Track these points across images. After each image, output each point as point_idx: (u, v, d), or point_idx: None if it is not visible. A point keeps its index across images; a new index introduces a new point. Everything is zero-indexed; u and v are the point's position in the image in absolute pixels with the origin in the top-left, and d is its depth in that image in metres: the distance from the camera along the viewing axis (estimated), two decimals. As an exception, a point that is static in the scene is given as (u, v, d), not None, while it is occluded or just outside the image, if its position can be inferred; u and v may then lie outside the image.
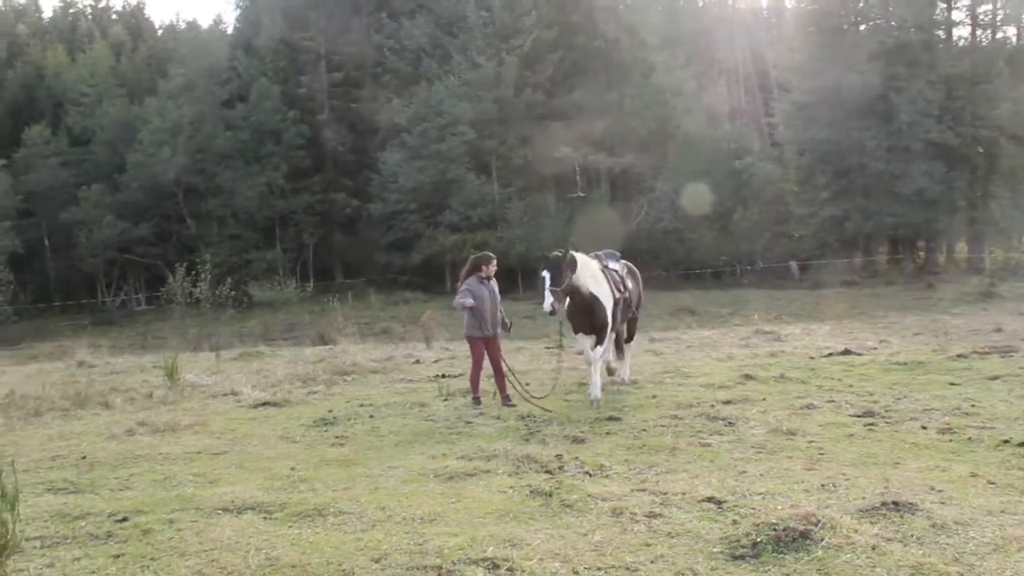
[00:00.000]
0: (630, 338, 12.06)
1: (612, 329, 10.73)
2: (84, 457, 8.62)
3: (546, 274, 9.82)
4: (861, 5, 43.81)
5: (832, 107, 40.23)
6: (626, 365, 11.66)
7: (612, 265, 11.16)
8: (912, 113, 38.29)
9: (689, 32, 50.54)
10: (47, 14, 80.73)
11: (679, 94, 47.30)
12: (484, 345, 10.51)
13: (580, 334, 10.57)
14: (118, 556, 5.25)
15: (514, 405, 10.32)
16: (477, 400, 10.43)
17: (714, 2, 63.19)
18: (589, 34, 49.80)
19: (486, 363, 10.54)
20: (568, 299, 10.05)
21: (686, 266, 42.60)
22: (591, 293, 10.27)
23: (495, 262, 10.85)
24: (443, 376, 13.10)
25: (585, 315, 10.37)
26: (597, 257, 11.02)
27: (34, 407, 11.98)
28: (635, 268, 12.15)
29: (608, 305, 10.41)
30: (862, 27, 43.51)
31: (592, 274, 10.42)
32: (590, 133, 44.46)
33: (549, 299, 9.76)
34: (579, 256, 10.35)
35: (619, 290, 10.79)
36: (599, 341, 10.47)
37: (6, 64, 60.51)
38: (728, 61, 56.51)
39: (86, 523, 6.03)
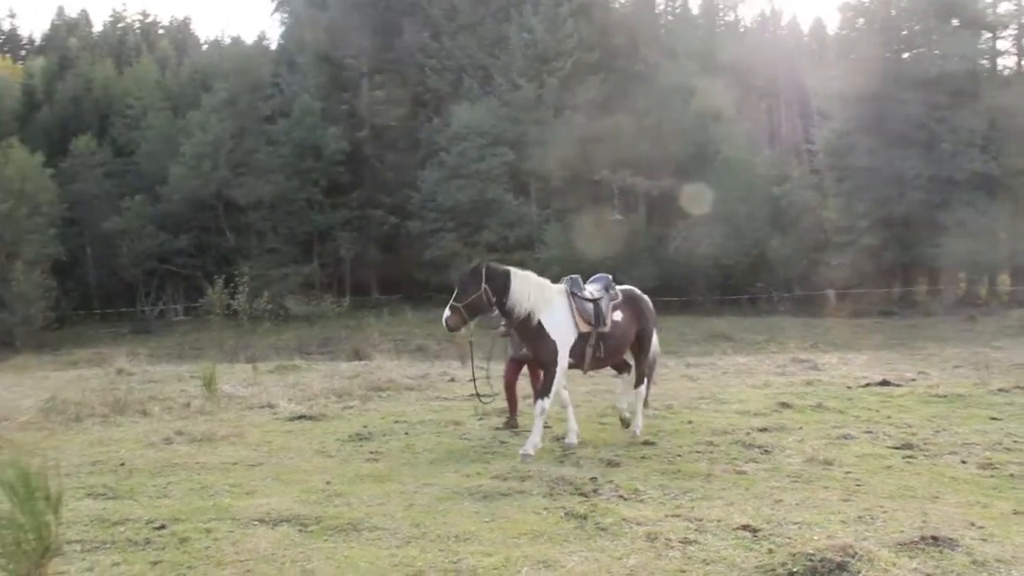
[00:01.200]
0: (639, 381, 9.85)
1: (576, 367, 9.22)
2: (123, 464, 8.74)
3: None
4: (905, 33, 43.49)
5: (873, 135, 39.94)
6: (637, 415, 9.79)
7: (592, 291, 9.37)
8: (955, 143, 37.91)
9: (730, 57, 50.31)
10: (97, 28, 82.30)
11: (718, 119, 47.15)
12: (518, 366, 10.39)
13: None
14: (156, 563, 5.33)
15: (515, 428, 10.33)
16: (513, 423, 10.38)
17: (755, 28, 63.02)
18: (630, 58, 49.94)
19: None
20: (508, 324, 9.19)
21: (722, 292, 42.39)
22: (537, 320, 8.84)
23: None
24: (478, 396, 13.11)
25: (528, 346, 9.23)
26: (573, 280, 9.38)
27: (75, 412, 12.14)
28: (642, 297, 9.93)
29: (560, 338, 8.84)
30: (905, 55, 43.17)
31: (543, 296, 8.94)
32: (629, 156, 44.45)
33: (445, 314, 8.76)
34: (519, 273, 9.04)
35: (589, 322, 9.03)
36: (544, 384, 8.98)
37: (57, 76, 61.67)
38: (768, 87, 56.22)
39: (125, 529, 6.12)
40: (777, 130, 55.95)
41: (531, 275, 9.13)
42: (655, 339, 10.08)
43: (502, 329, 10.02)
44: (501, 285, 8.75)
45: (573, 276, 9.49)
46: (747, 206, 41.57)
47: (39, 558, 5.04)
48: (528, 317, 8.79)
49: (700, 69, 47.79)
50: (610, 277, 9.72)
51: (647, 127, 45.70)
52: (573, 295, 9.15)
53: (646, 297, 10.07)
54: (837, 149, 42.78)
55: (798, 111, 55.70)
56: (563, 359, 8.87)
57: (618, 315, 9.32)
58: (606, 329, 9.13)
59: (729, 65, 49.41)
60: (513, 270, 9.01)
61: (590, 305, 9.12)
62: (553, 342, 8.83)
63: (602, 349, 9.15)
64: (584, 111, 46.06)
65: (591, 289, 9.40)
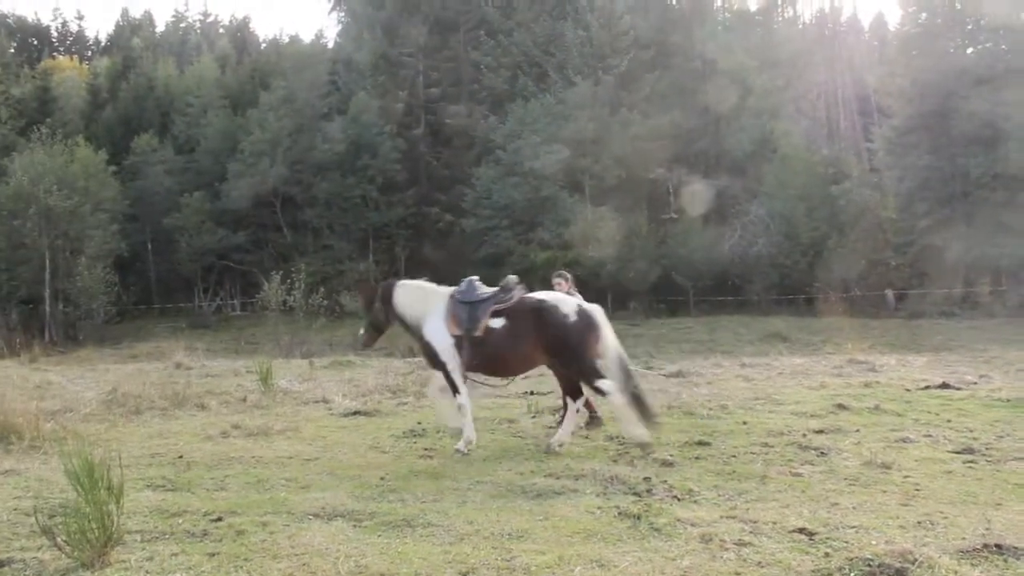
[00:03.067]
0: (573, 395, 9.45)
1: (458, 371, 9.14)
2: (181, 456, 8.93)
3: None
4: (970, 28, 42.59)
5: (935, 133, 39.19)
6: (563, 426, 9.42)
7: (477, 296, 9.27)
8: (1021, 140, 37.06)
9: (788, 54, 49.78)
10: (160, 28, 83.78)
11: (776, 117, 46.66)
12: None
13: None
14: (213, 555, 5.41)
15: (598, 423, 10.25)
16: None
17: (814, 24, 62.18)
18: (686, 55, 49.57)
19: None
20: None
21: (778, 291, 41.92)
22: (420, 328, 9.31)
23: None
24: (531, 393, 13.11)
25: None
26: (468, 283, 9.43)
27: (135, 405, 12.44)
28: (552, 309, 9.03)
29: (436, 342, 9.12)
30: (969, 51, 42.29)
31: (427, 304, 9.35)
32: (685, 154, 44.16)
33: (359, 332, 9.54)
34: (405, 284, 9.57)
35: (460, 326, 9.04)
36: (448, 384, 9.23)
37: (121, 76, 62.86)
38: (827, 84, 55.51)
39: (183, 520, 6.23)
40: (836, 128, 55.16)
41: (421, 285, 9.57)
42: (615, 365, 8.97)
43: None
44: (389, 300, 9.35)
45: (470, 278, 9.47)
46: (805, 205, 41.06)
47: (102, 546, 5.16)
48: (417, 325, 9.29)
49: (758, 66, 47.31)
50: (514, 279, 9.44)
51: (703, 125, 45.38)
52: (455, 298, 9.22)
53: (569, 310, 9.02)
54: (897, 147, 42.04)
55: (857, 108, 54.90)
56: (449, 360, 9.08)
57: (498, 322, 9.04)
58: (477, 334, 9.00)
59: (787, 62, 48.89)
60: (401, 283, 9.58)
61: (465, 309, 9.11)
62: (429, 345, 9.17)
63: (478, 354, 9.00)
64: (640, 109, 45.83)
65: (486, 293, 9.31)
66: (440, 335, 9.12)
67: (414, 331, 9.39)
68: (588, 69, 46.87)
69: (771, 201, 41.76)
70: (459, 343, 9.04)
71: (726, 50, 48.23)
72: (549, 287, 10.60)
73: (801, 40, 57.38)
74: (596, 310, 9.16)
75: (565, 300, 9.24)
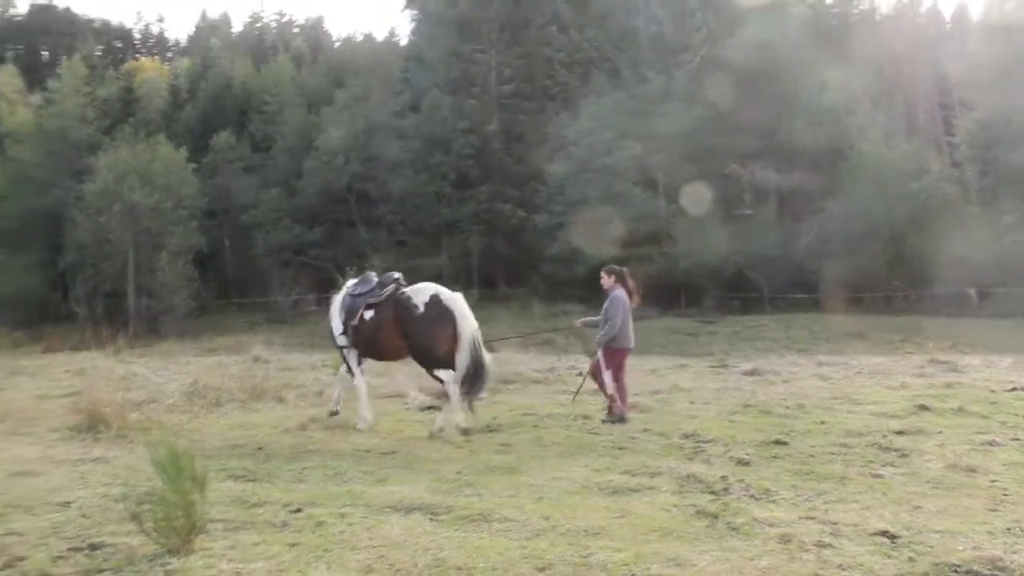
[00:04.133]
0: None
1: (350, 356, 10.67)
2: (261, 448, 9.14)
3: None
4: (1057, 18, 41.35)
5: (1019, 126, 38.08)
6: (446, 411, 10.16)
7: (362, 290, 10.53)
8: (1111, 133, 35.86)
9: (866, 48, 48.72)
10: (237, 29, 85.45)
11: (853, 112, 45.73)
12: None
13: None
14: (293, 545, 5.51)
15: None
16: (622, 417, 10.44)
17: (893, 17, 60.83)
18: (760, 50, 48.81)
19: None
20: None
21: (855, 289, 41.10)
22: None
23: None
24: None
25: None
26: (362, 277, 10.92)
27: (215, 397, 12.75)
28: (409, 304, 10.01)
29: (333, 330, 10.76)
30: (1057, 41, 41.01)
31: (335, 298, 10.94)
32: (759, 150, 43.56)
33: None
34: (348, 283, 10.94)
35: (346, 317, 10.52)
36: (347, 366, 10.82)
37: (200, 76, 64.30)
38: (907, 78, 54.29)
39: (263, 511, 6.36)
40: (915, 122, 53.91)
41: (357, 279, 10.86)
42: (464, 354, 9.84)
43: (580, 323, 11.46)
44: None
45: (365, 274, 10.89)
46: (883, 201, 40.17)
47: (187, 534, 5.31)
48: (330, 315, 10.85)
49: (834, 60, 46.42)
50: (396, 275, 10.56)
51: (778, 120, 44.70)
52: (347, 292, 10.65)
53: (419, 301, 10.04)
54: (980, 141, 40.96)
55: (938, 102, 53.60)
56: (344, 345, 10.56)
57: (369, 313, 10.25)
58: (354, 323, 10.33)
59: (864, 55, 47.89)
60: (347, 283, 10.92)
61: (350, 301, 10.49)
62: (330, 330, 10.79)
63: (359, 341, 10.39)
64: (713, 104, 45.32)
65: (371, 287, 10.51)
66: (335, 323, 10.65)
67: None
68: (661, 64, 46.50)
69: (848, 198, 40.96)
70: (346, 330, 10.44)
71: (801, 44, 47.44)
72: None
73: (880, 33, 56.16)
74: (453, 300, 10.01)
75: (420, 291, 10.14)
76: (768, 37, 46.27)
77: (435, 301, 9.96)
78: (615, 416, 10.42)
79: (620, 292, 10.83)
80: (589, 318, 11.53)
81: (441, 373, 9.88)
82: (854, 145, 43.73)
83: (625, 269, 11.34)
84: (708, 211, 41.91)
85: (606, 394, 10.64)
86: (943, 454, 8.29)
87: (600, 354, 10.73)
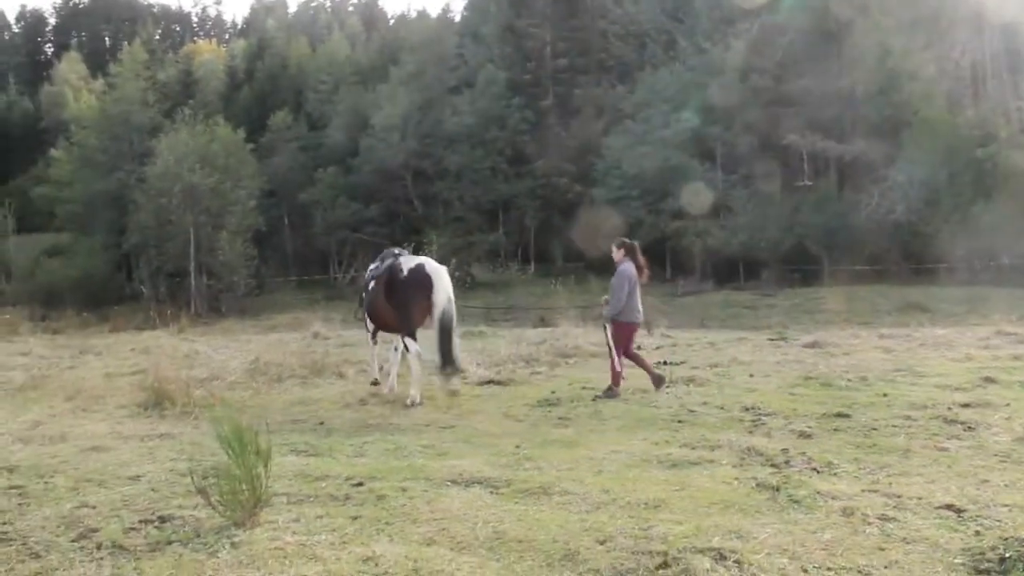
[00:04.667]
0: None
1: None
2: (322, 423, 9.23)
3: None
4: None
5: (1091, 91, 36.97)
6: (414, 383, 10.56)
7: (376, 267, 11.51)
8: None
9: (929, 12, 47.49)
10: (292, 9, 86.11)
11: (916, 79, 44.65)
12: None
13: None
14: (356, 518, 5.54)
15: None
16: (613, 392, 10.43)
17: (959, -22, 59.21)
18: (820, 17, 47.85)
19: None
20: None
21: (918, 260, 40.33)
22: None
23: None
24: (665, 363, 12.96)
25: None
26: (386, 252, 11.67)
27: (276, 374, 12.91)
28: (396, 277, 10.65)
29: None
30: None
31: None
32: (819, 120, 42.81)
33: None
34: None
35: (363, 292, 11.77)
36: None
37: (256, 56, 64.96)
38: (973, 42, 52.84)
39: (326, 484, 6.41)
40: (982, 87, 52.53)
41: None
42: (436, 323, 10.37)
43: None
44: None
45: (392, 249, 11.69)
46: (948, 169, 39.27)
47: (252, 507, 5.38)
48: None
49: (896, 25, 45.36)
50: (396, 251, 11.38)
51: (839, 89, 43.86)
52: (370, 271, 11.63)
53: (405, 268, 10.61)
54: (1052, 105, 39.83)
55: (1006, 65, 52.13)
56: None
57: (372, 285, 11.18)
58: (364, 294, 11.54)
59: (928, 19, 46.70)
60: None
61: (367, 278, 11.62)
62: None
63: (369, 310, 11.36)
64: (771, 74, 44.62)
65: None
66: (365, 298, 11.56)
67: None
68: (717, 35, 45.92)
69: (911, 167, 40.09)
70: (362, 304, 11.73)
71: (862, 10, 46.41)
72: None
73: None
74: (436, 271, 10.48)
75: (409, 260, 10.76)
76: (828, 4, 45.39)
77: (418, 268, 10.51)
78: (611, 393, 10.37)
79: (627, 266, 10.66)
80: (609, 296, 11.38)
81: (409, 342, 10.46)
82: (917, 112, 42.77)
83: (636, 243, 11.18)
84: (766, 183, 41.44)
85: (612, 368, 10.57)
86: (1011, 427, 8.04)
87: (608, 329, 10.68)
